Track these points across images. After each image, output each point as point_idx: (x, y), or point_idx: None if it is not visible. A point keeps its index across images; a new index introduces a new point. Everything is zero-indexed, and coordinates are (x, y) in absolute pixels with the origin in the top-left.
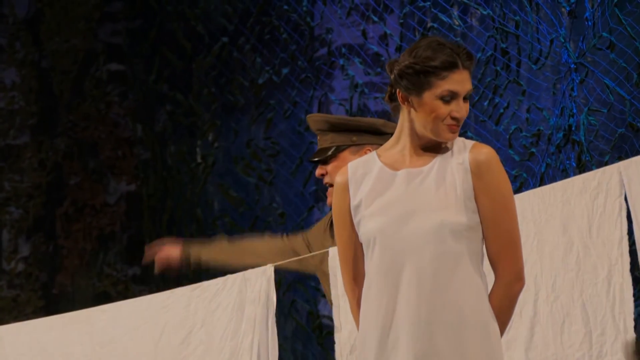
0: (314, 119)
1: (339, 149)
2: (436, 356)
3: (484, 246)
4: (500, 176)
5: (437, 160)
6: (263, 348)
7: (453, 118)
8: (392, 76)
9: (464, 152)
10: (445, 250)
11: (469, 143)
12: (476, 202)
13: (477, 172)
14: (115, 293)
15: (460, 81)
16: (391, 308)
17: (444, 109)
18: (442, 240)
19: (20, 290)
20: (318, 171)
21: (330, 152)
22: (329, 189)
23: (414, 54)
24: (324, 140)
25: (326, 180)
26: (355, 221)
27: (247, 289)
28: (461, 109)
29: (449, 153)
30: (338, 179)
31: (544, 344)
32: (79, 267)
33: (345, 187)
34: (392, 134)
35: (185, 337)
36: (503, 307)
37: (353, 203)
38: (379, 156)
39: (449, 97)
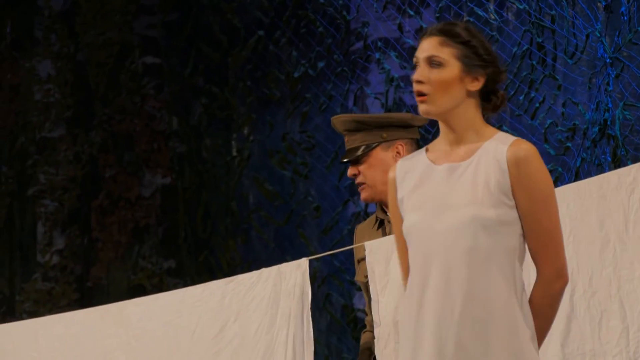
0: (342, 120)
1: (370, 147)
2: (460, 352)
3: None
4: (539, 173)
5: (477, 155)
6: (298, 342)
7: (414, 82)
8: None
9: (503, 147)
10: (475, 246)
11: (510, 139)
12: (514, 198)
13: (515, 168)
14: (150, 286)
15: (421, 47)
16: (420, 301)
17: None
18: (473, 235)
19: (55, 282)
20: (350, 171)
21: (360, 152)
22: (362, 186)
23: None
24: (353, 140)
25: (359, 180)
26: (402, 215)
27: (282, 283)
28: (419, 72)
29: (489, 147)
30: (390, 174)
31: (581, 340)
32: (113, 260)
33: (393, 183)
34: (420, 127)
35: (220, 331)
36: (544, 305)
37: (399, 197)
38: (426, 151)
39: (415, 65)
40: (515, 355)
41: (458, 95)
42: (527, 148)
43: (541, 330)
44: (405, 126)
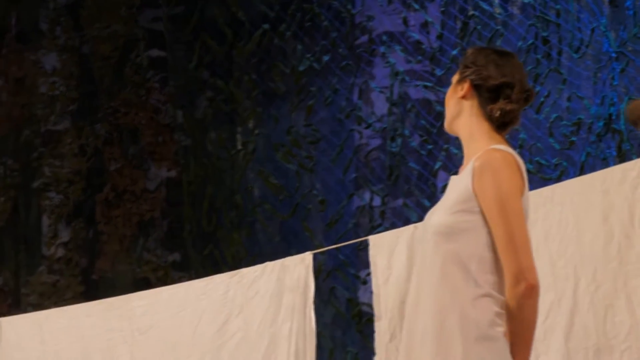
0: None
1: None
2: (422, 349)
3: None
4: (494, 180)
5: (467, 168)
6: (301, 335)
7: None
8: None
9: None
10: (433, 250)
11: (488, 149)
12: (479, 205)
13: (476, 177)
14: (155, 279)
15: None
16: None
17: None
18: (433, 240)
19: (60, 275)
20: None
21: None
22: None
23: None
24: None
25: None
26: None
27: (286, 277)
28: None
29: (473, 159)
30: None
31: (585, 334)
32: (118, 252)
33: None
34: None
35: (224, 324)
36: (512, 308)
37: None
38: None
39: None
40: (453, 355)
41: (455, 105)
42: (488, 157)
43: (518, 334)
44: None
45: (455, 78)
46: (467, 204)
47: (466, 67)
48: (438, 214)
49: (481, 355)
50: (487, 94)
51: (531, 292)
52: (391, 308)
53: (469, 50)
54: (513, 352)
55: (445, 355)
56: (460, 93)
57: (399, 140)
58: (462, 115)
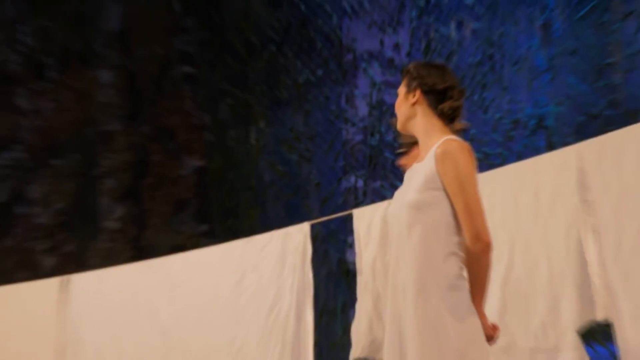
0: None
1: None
2: (404, 303)
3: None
4: (453, 163)
5: (427, 156)
6: (300, 288)
7: None
8: None
9: (437, 146)
10: (405, 221)
11: (445, 139)
12: (441, 183)
13: (438, 160)
14: (189, 245)
15: None
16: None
17: None
18: (409, 213)
19: (116, 243)
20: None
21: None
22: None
23: None
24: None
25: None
26: None
27: (289, 242)
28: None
29: (434, 149)
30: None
31: (517, 284)
32: (160, 225)
33: None
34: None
35: (240, 279)
36: (471, 263)
37: None
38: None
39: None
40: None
41: (407, 111)
42: (447, 145)
43: (476, 281)
44: None
45: (402, 90)
46: (433, 183)
47: (413, 79)
48: (411, 193)
49: (452, 300)
50: (436, 97)
51: (486, 247)
52: (369, 265)
53: (411, 67)
54: (472, 295)
55: (424, 301)
56: (413, 100)
57: (377, 136)
58: (417, 117)
